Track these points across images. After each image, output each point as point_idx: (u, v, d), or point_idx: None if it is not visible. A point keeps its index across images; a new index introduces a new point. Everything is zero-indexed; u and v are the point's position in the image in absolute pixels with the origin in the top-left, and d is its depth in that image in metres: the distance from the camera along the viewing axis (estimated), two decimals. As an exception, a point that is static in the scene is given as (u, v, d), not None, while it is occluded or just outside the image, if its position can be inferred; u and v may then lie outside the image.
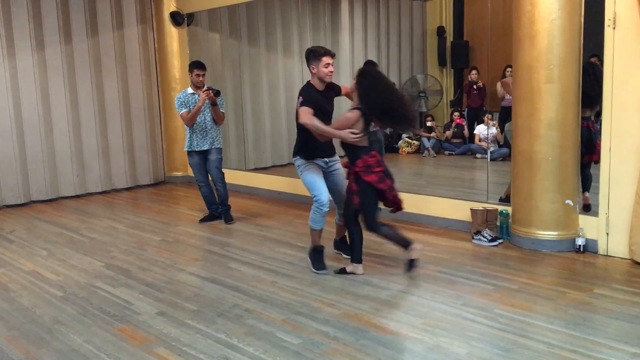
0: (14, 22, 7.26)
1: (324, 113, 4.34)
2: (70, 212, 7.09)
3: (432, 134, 9.12)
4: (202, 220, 6.25)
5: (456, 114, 9.03)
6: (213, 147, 6.06)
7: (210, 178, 6.22)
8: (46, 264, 4.96)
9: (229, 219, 6.20)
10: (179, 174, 8.86)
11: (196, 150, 6.05)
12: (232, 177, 8.18)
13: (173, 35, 8.54)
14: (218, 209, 6.27)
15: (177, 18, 8.46)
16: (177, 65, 8.56)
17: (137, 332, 3.51)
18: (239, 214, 6.59)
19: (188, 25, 8.56)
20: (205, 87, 5.90)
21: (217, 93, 5.83)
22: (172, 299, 4.03)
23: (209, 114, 5.98)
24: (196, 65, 6.08)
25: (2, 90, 7.23)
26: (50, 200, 7.70)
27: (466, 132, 8.89)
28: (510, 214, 5.11)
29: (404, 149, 9.30)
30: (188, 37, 8.60)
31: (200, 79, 6.03)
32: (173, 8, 8.47)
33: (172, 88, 8.49)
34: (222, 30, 8.63)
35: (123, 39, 8.29)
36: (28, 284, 4.45)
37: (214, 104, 5.88)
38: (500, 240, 5.07)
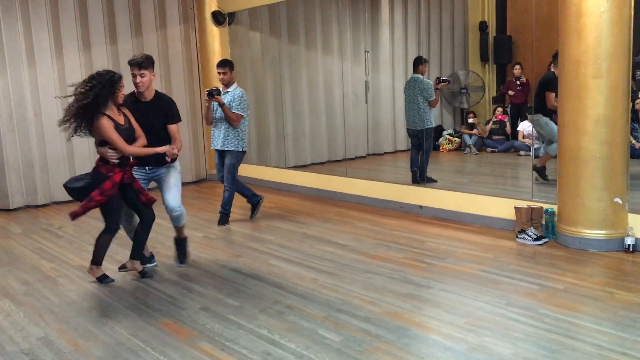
0: (61, 23, 7.47)
1: (139, 122, 4.71)
2: (116, 208, 7.25)
3: (474, 131, 8.98)
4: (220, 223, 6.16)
5: (499, 109, 8.87)
6: (226, 148, 5.96)
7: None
8: (93, 259, 5.09)
9: (221, 222, 6.13)
10: (220, 171, 8.97)
11: (214, 148, 6.09)
12: (272, 174, 8.26)
13: (215, 34, 8.65)
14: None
15: (218, 17, 8.56)
16: (218, 64, 8.67)
17: (182, 326, 3.57)
18: (279, 211, 6.64)
19: (229, 24, 8.66)
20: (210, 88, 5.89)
21: (209, 93, 5.78)
22: (215, 294, 4.09)
23: (220, 114, 5.92)
24: (217, 64, 6.07)
25: (51, 90, 7.44)
26: (96, 197, 7.88)
27: (508, 128, 8.72)
28: (556, 213, 4.99)
29: (444, 146, 9.18)
30: (229, 36, 8.69)
31: (221, 76, 5.98)
32: (214, 8, 8.57)
33: (214, 87, 8.60)
34: (262, 29, 8.70)
35: (166, 39, 8.45)
36: (76, 279, 4.58)
37: (220, 104, 5.83)
38: (545, 240, 4.96)
